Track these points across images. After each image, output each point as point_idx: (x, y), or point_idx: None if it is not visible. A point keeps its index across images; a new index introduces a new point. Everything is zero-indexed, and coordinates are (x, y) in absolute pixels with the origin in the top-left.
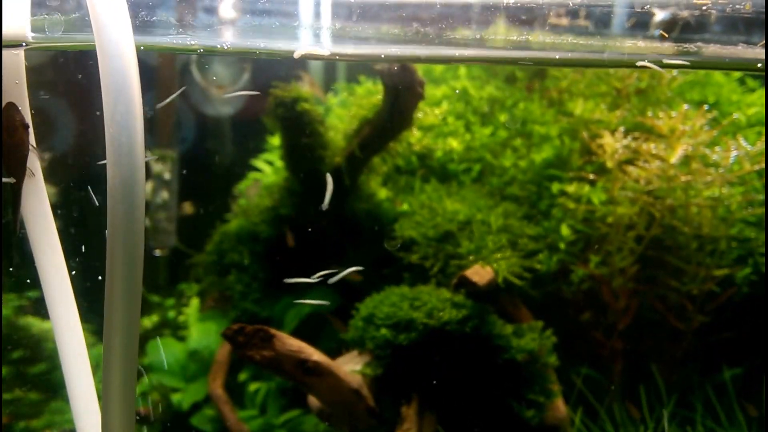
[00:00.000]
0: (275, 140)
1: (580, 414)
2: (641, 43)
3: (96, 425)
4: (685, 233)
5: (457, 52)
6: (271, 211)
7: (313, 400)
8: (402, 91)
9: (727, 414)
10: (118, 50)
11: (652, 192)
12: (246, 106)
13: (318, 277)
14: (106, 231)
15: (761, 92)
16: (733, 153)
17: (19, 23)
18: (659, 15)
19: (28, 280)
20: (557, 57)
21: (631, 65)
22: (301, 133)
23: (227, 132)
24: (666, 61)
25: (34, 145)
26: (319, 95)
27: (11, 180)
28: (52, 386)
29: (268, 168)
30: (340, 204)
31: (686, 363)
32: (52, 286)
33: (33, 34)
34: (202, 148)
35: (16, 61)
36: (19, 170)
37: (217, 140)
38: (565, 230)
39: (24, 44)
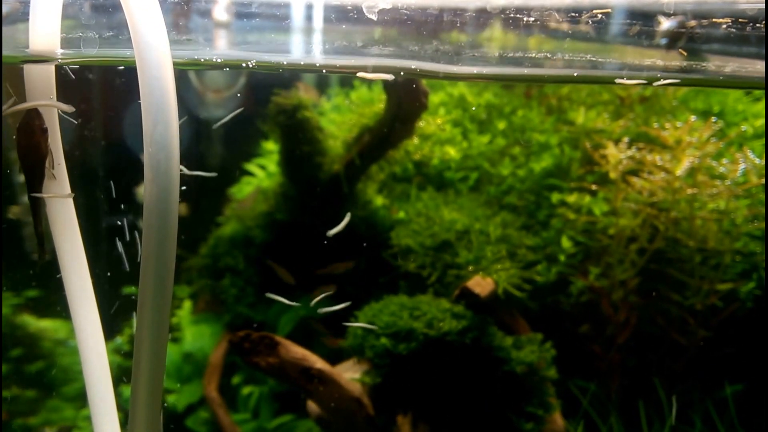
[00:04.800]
0: (269, 145)
1: (581, 429)
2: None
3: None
4: (689, 246)
5: (475, 69)
6: (266, 216)
7: (312, 407)
8: (406, 100)
9: (727, 431)
10: (158, 72)
11: (656, 204)
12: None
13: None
14: (141, 243)
15: None
16: (741, 166)
17: (49, 39)
18: (666, 24)
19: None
20: (575, 75)
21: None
22: (301, 141)
23: (221, 135)
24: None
25: (52, 151)
26: (314, 100)
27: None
28: (49, 384)
29: (261, 173)
30: (336, 211)
31: (687, 378)
32: (76, 293)
33: (62, 51)
34: (195, 151)
35: (47, 75)
36: (36, 172)
37: (211, 143)
38: (565, 242)
39: (58, 59)
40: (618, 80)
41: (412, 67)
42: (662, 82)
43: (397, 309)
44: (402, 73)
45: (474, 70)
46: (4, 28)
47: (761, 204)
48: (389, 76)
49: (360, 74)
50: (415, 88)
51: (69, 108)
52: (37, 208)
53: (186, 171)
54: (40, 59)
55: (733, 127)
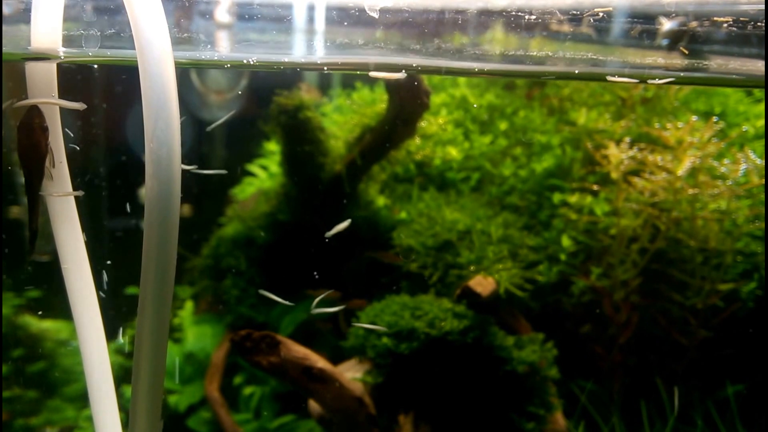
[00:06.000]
0: (271, 145)
1: (582, 429)
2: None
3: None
4: (690, 246)
5: (476, 66)
6: (268, 216)
7: (313, 406)
8: (407, 101)
9: (729, 430)
10: (159, 70)
11: (657, 204)
12: (242, 111)
13: (314, 306)
14: (143, 237)
15: None
16: (742, 166)
17: (51, 37)
18: (668, 25)
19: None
20: (575, 72)
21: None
22: (303, 141)
23: (224, 136)
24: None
25: (52, 150)
26: (315, 100)
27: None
28: (51, 384)
29: (263, 173)
30: (338, 211)
31: (688, 378)
32: (77, 293)
33: (64, 49)
34: (198, 152)
35: (49, 72)
36: (36, 171)
37: (213, 144)
38: (566, 241)
39: (60, 57)
40: (609, 77)
41: (414, 64)
42: (658, 81)
43: (398, 309)
44: (404, 71)
45: (475, 67)
46: (6, 29)
47: (762, 204)
48: (400, 75)
49: (372, 73)
50: (416, 87)
51: (80, 106)
52: (34, 206)
53: (189, 168)
54: (42, 56)
55: (735, 128)
